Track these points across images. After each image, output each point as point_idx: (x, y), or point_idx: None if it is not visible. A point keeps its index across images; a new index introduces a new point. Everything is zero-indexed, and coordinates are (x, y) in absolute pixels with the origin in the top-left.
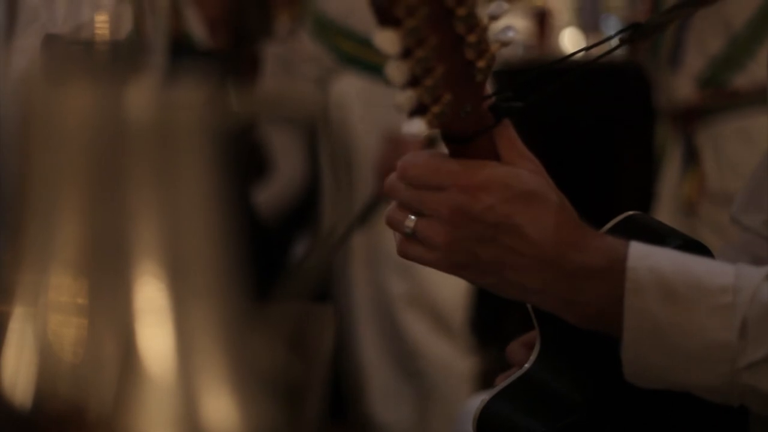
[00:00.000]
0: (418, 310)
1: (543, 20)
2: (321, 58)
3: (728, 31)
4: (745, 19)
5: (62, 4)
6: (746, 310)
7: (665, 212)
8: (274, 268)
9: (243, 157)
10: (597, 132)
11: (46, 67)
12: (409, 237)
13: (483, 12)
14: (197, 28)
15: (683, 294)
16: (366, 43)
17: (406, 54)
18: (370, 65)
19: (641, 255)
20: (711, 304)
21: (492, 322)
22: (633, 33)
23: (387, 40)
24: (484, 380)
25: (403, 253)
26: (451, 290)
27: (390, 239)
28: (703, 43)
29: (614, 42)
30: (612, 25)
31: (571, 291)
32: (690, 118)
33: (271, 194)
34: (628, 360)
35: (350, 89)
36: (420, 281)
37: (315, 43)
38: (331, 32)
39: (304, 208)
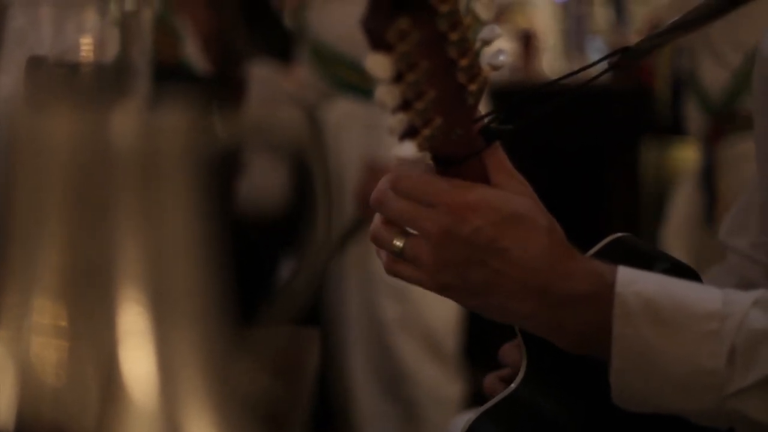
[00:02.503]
0: (409, 334)
1: (528, 42)
2: (316, 84)
3: (745, 48)
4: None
5: (48, 26)
6: (734, 336)
7: (677, 230)
8: (258, 291)
9: (227, 181)
10: (584, 154)
11: (31, 90)
12: (398, 257)
13: (474, 36)
14: (192, 51)
15: (671, 320)
16: (363, 70)
17: (397, 78)
18: (368, 92)
19: (629, 280)
20: (699, 331)
21: (484, 346)
22: (621, 57)
23: (378, 65)
24: (473, 404)
25: (392, 272)
26: (444, 315)
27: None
28: (723, 57)
29: (602, 66)
30: (597, 48)
31: (559, 316)
32: (714, 137)
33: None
34: (616, 385)
35: (346, 115)
36: (413, 305)
37: (311, 70)
38: (328, 60)
39: (290, 232)
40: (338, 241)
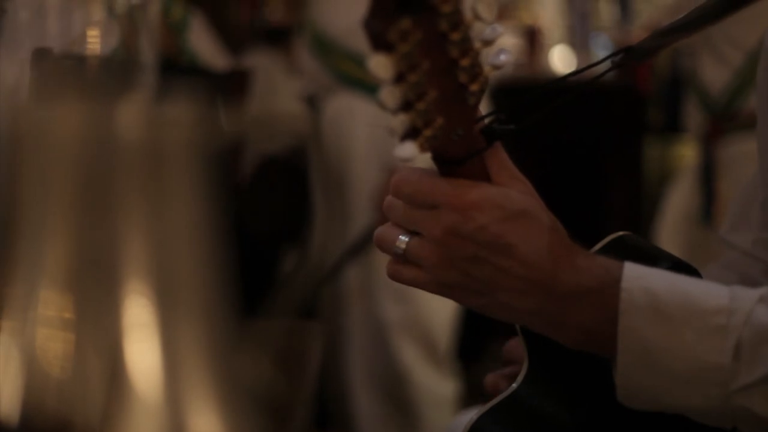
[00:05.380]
0: (409, 335)
1: (533, 38)
2: (318, 75)
3: (745, 47)
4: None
5: (53, 18)
6: (740, 332)
7: (673, 227)
8: (262, 284)
9: (232, 174)
10: (586, 152)
11: (36, 83)
12: (400, 258)
13: (476, 35)
14: (197, 43)
15: (677, 315)
16: (365, 64)
17: (399, 79)
18: (369, 86)
19: (635, 275)
20: (705, 326)
21: (475, 345)
22: (625, 56)
23: (380, 66)
24: (469, 403)
25: (394, 275)
26: (443, 316)
27: (384, 265)
28: (723, 57)
29: (606, 64)
30: (602, 44)
31: (563, 313)
32: (714, 136)
33: None
34: (621, 382)
35: (346, 108)
36: (414, 307)
37: (313, 60)
38: (330, 52)
39: (294, 225)
40: (352, 247)
